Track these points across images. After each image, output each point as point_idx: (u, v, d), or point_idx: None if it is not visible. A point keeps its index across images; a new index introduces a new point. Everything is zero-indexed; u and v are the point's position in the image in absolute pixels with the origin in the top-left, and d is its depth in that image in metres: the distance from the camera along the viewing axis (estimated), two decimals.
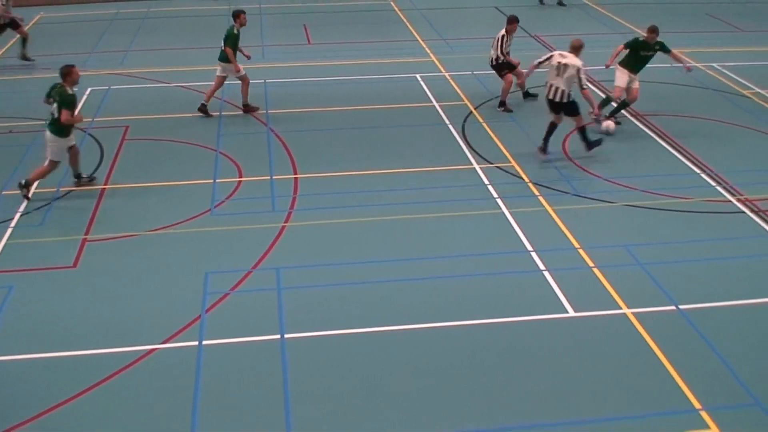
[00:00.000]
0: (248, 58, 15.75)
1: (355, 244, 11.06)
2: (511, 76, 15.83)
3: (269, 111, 15.82)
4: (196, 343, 8.98)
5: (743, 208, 12.07)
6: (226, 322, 9.36)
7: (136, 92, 16.96)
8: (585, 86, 13.31)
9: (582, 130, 13.66)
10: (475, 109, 15.93)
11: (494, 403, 8.14)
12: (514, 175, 13.04)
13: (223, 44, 15.31)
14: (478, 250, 10.92)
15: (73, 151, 12.44)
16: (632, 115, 15.64)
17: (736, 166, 13.49)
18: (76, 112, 12.32)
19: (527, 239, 11.14)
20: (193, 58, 19.26)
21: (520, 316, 9.53)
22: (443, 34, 21.55)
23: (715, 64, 18.58)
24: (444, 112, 15.74)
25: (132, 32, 21.97)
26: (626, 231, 11.42)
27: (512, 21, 15.85)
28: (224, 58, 15.29)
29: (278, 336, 9.09)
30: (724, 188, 12.68)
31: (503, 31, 15.81)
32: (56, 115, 11.86)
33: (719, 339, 9.11)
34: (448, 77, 17.89)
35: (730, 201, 12.31)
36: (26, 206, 11.93)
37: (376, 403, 8.15)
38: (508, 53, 15.78)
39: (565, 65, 13.19)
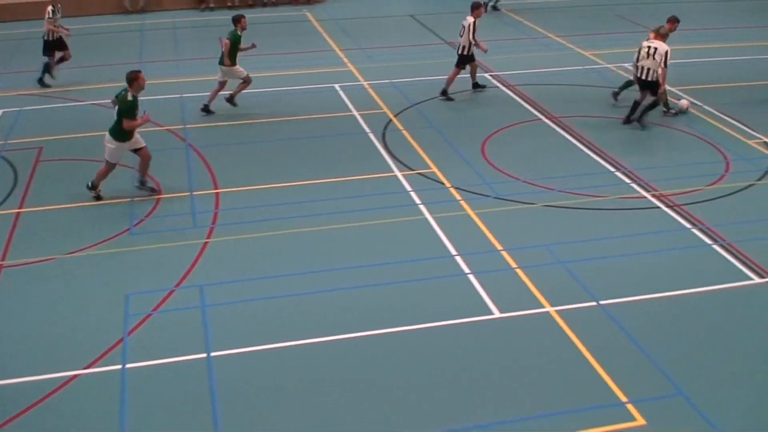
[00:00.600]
0: (254, 46, 16.29)
1: (279, 257, 11.00)
2: (458, 71, 16.87)
3: (187, 126, 15.64)
4: (120, 366, 8.80)
5: (658, 203, 12.39)
6: (150, 343, 9.19)
7: (49, 112, 16.59)
8: (665, 66, 15.01)
9: (651, 107, 15.37)
10: (394, 116, 16.01)
11: (426, 408, 8.18)
12: (436, 181, 13.14)
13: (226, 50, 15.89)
14: (403, 256, 10.96)
15: (142, 154, 12.62)
16: (547, 117, 15.92)
17: (649, 162, 13.84)
18: (139, 115, 12.36)
19: (451, 244, 11.24)
20: (105, 74, 18.91)
21: (448, 320, 9.59)
22: (361, 44, 21.62)
23: (626, 65, 19.02)
24: (364, 121, 15.79)
25: None
26: (546, 231, 11.61)
27: (477, 7, 16.57)
28: (223, 62, 15.95)
29: (204, 354, 8.97)
30: (639, 185, 12.99)
31: (471, 18, 16.48)
32: (116, 118, 12.19)
33: (640, 332, 9.33)
34: (367, 86, 17.94)
35: (645, 197, 12.61)
36: None
37: (306, 417, 8.09)
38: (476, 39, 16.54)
39: (655, 48, 15.02)
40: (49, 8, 17.77)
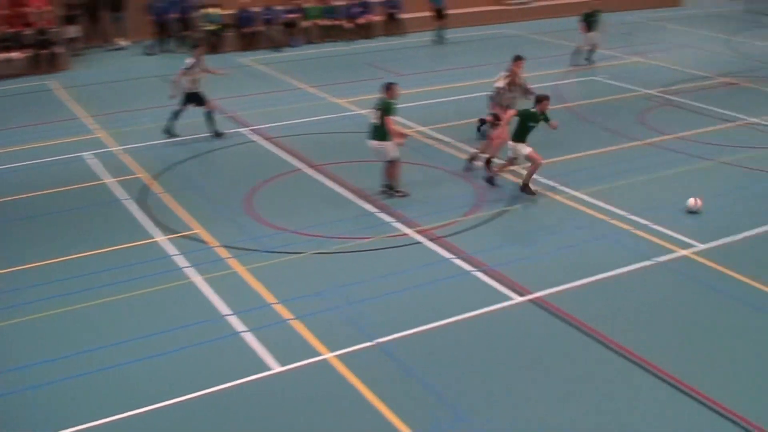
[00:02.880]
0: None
1: (38, 342, 10.23)
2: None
3: None
4: None
5: (420, 239, 12.77)
6: None
7: None
8: None
9: None
10: (152, 180, 15.52)
11: None
12: (201, 242, 12.82)
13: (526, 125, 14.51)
14: (172, 324, 10.54)
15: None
16: (307, 166, 16.06)
17: (408, 200, 14.25)
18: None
19: (223, 303, 10.96)
20: None
21: (227, 382, 9.29)
22: (111, 108, 20.80)
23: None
24: (118, 188, 15.16)
25: None
26: (318, 278, 11.62)
27: (518, 58, 16.42)
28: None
29: None
30: (401, 222, 13.34)
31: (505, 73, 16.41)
32: (378, 122, 14.13)
33: (417, 364, 9.51)
34: (119, 152, 17.29)
35: (408, 234, 12.96)
36: None
37: None
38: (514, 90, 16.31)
39: None
40: (187, 61, 17.84)
